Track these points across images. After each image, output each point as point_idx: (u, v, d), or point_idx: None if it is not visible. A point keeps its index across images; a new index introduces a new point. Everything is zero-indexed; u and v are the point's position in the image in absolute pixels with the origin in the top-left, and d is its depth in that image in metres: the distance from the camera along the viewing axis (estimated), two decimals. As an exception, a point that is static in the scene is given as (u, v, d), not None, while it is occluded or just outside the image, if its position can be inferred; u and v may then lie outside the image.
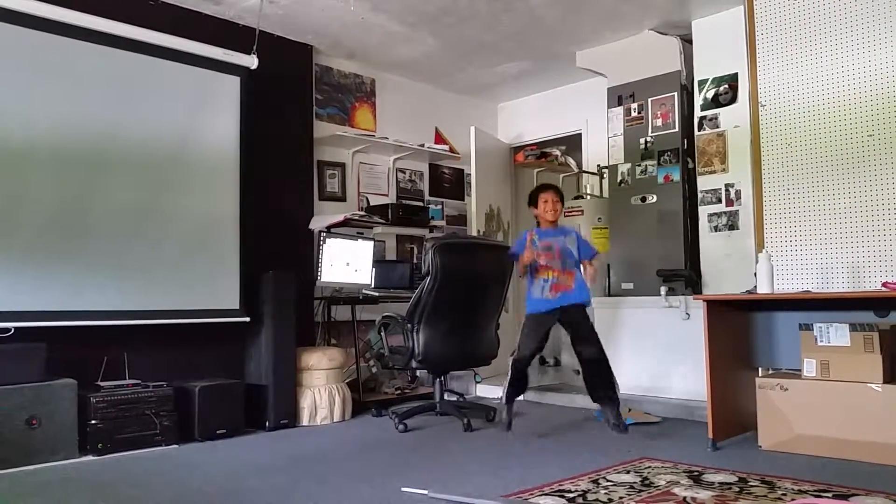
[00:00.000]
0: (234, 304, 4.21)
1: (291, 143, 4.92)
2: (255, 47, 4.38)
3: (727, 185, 4.59)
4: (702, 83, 4.73)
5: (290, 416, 4.18)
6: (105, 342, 3.80)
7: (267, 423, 4.09)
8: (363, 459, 3.37)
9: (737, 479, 2.78)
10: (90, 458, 3.42)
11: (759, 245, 3.79)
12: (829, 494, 2.57)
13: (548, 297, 3.59)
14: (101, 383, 3.67)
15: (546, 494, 2.61)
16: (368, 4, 4.41)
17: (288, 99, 4.91)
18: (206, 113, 4.20)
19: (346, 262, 4.86)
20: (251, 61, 4.36)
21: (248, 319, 4.22)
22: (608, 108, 5.23)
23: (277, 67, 4.67)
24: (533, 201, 3.79)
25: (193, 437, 3.79)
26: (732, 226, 4.56)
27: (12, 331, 3.38)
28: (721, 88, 4.65)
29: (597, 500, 2.53)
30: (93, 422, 3.47)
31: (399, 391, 5.05)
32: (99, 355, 3.79)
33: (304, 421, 4.25)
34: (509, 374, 3.66)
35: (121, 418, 3.55)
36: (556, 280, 3.61)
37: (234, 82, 4.33)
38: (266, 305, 4.19)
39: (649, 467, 3.01)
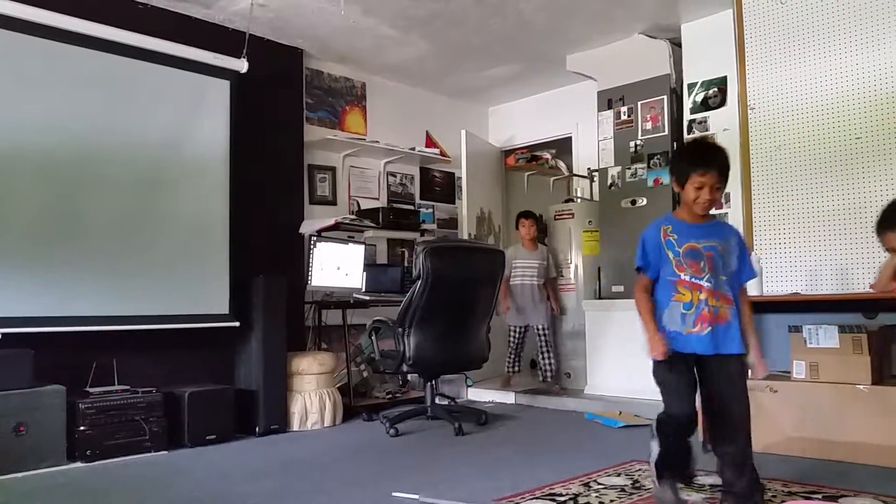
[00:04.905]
0: (224, 308, 4.19)
1: (282, 147, 4.91)
2: (245, 51, 4.37)
3: (717, 188, 4.60)
4: (691, 86, 4.75)
5: (280, 422, 4.16)
6: (94, 348, 3.77)
7: (257, 429, 4.07)
8: (354, 464, 3.35)
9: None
10: (79, 465, 3.39)
11: (749, 248, 3.81)
12: (819, 496, 2.58)
13: (693, 332, 2.29)
14: (90, 389, 3.64)
15: (537, 498, 2.61)
16: (359, 8, 4.41)
17: (278, 103, 4.90)
18: (195, 117, 4.18)
19: (336, 266, 4.85)
20: (241, 65, 4.35)
21: (238, 324, 4.20)
22: (598, 111, 5.25)
23: (268, 71, 4.65)
24: (681, 177, 2.35)
25: (183, 443, 3.76)
26: (722, 228, 4.57)
27: (0, 337, 3.36)
28: (710, 91, 4.67)
29: (587, 503, 2.53)
30: (81, 428, 3.43)
31: (390, 395, 5.04)
32: (88, 361, 3.75)
33: (295, 426, 4.23)
34: (656, 438, 2.34)
35: (110, 424, 3.52)
36: (706, 306, 2.28)
37: (223, 86, 4.31)
38: (256, 310, 4.17)
39: (640, 470, 3.01)
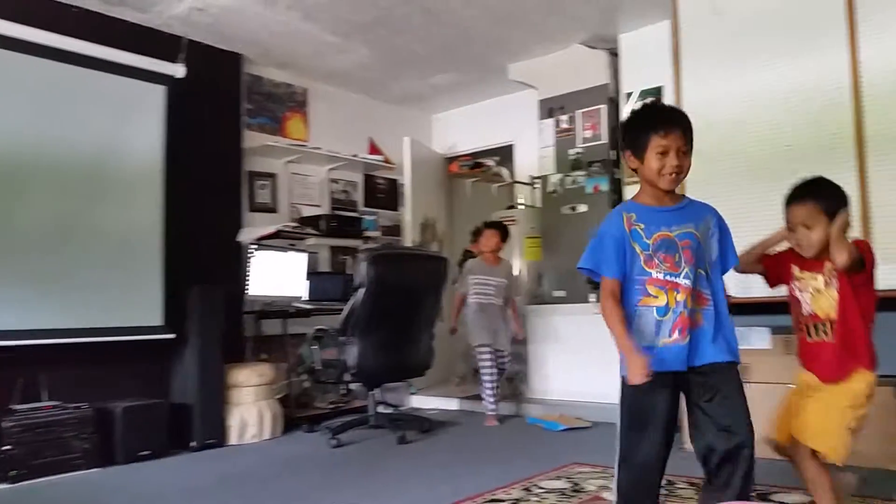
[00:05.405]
0: (158, 320, 4.07)
1: (220, 154, 4.79)
2: (182, 56, 4.26)
3: (653, 195, 4.70)
4: (628, 96, 4.86)
5: (217, 436, 4.04)
6: (20, 363, 3.58)
7: (193, 444, 3.94)
8: (294, 478, 3.29)
9: (665, 481, 2.83)
10: (3, 486, 3.23)
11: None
12: (753, 493, 2.64)
13: (669, 343, 1.85)
14: (15, 406, 3.47)
15: (478, 505, 2.61)
16: (299, 14, 4.35)
17: (216, 108, 4.78)
18: (129, 123, 4.06)
19: (276, 275, 4.76)
20: (177, 70, 4.25)
21: (173, 336, 4.07)
22: (539, 119, 5.31)
23: (205, 76, 4.54)
24: (637, 146, 1.91)
25: (116, 460, 3.62)
26: (659, 234, 4.67)
27: (-86, 353, 3.18)
28: (647, 101, 4.77)
29: (528, 508, 2.54)
30: (6, 448, 3.27)
31: (333, 405, 4.97)
32: (12, 377, 3.57)
33: (233, 440, 4.11)
34: None
35: (37, 443, 3.36)
36: (685, 308, 1.86)
37: (159, 91, 4.20)
38: (192, 321, 4.05)
39: (580, 473, 3.04)
